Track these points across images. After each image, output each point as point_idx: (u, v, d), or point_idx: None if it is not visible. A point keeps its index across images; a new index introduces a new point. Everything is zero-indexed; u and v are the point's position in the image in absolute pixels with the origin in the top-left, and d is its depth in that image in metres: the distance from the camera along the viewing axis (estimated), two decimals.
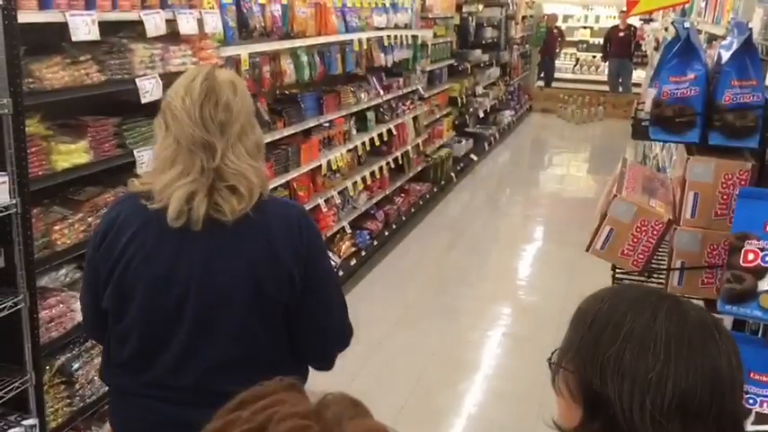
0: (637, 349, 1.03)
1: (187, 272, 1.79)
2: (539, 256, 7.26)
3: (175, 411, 1.82)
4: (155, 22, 3.22)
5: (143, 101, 3.18)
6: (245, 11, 4.21)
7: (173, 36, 3.49)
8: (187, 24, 3.47)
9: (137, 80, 3.16)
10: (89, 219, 3.02)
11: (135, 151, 3.20)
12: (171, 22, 3.44)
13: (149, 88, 3.21)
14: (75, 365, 3.02)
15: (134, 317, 1.83)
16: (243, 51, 4.18)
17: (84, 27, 2.83)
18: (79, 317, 2.93)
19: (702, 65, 1.77)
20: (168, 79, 3.39)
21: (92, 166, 3.04)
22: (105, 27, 3.04)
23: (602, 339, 1.07)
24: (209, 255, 1.79)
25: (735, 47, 1.74)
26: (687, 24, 1.87)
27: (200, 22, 3.63)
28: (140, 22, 3.21)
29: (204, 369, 1.82)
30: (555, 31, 15.97)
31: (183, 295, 1.80)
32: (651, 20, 11.40)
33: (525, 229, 8.20)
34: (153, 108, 3.33)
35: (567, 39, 17.04)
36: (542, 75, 16.40)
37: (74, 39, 2.81)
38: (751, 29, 1.77)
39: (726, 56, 1.79)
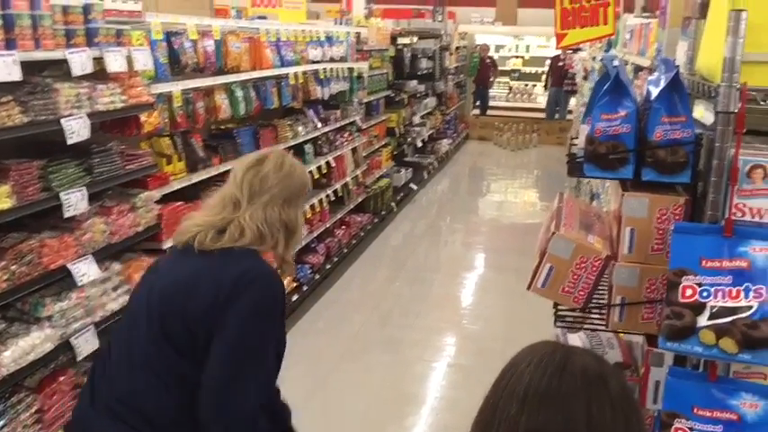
0: (507, 396, 1.15)
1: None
2: (480, 283, 7.30)
3: None
4: (80, 61, 3.12)
5: (69, 142, 3.06)
6: (176, 47, 4.13)
7: (101, 74, 3.39)
8: (115, 62, 3.38)
9: (62, 121, 3.04)
10: (12, 267, 2.87)
11: (62, 194, 3.07)
12: (99, 60, 3.34)
13: (76, 128, 3.09)
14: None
15: None
16: (175, 88, 4.09)
17: (4, 68, 2.71)
18: (5, 370, 2.77)
19: (633, 102, 1.80)
20: (97, 118, 3.31)
21: (15, 211, 2.89)
22: (30, 66, 2.93)
23: (493, 392, 1.19)
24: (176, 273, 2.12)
25: (663, 84, 1.77)
26: (616, 63, 1.90)
27: (130, 60, 3.53)
28: (66, 61, 3.10)
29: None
30: (488, 61, 16.36)
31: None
32: (579, 50, 11.74)
33: (466, 257, 8.24)
34: (80, 149, 3.24)
35: (500, 68, 17.44)
36: (477, 103, 16.73)
37: None
38: (678, 66, 1.80)
39: (655, 92, 1.82)
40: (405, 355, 5.51)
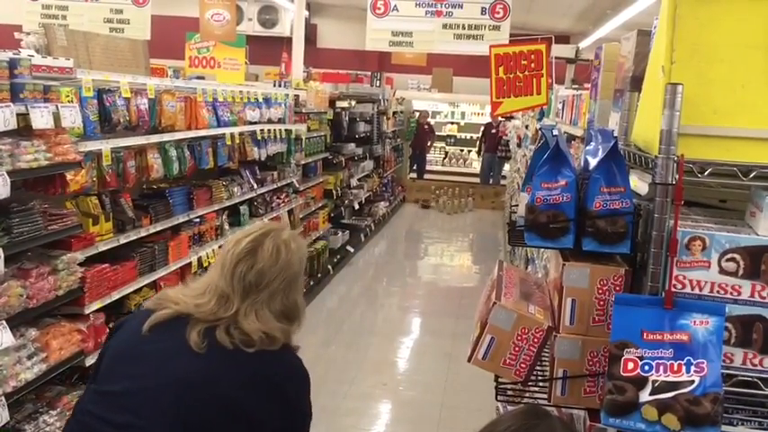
0: None
1: None
2: (416, 348, 7.21)
3: None
4: (3, 117, 2.98)
5: None
6: (107, 104, 4.01)
7: (26, 130, 3.25)
8: (41, 119, 3.24)
9: None
10: None
11: None
12: (25, 116, 3.20)
13: None
14: None
15: None
16: (104, 146, 3.96)
17: None
18: None
19: (572, 171, 1.80)
20: (18, 176, 3.15)
21: None
22: None
23: None
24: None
25: (601, 154, 1.78)
26: (555, 132, 1.91)
27: (57, 116, 3.40)
28: None
29: None
30: (426, 126, 16.69)
31: None
32: (512, 117, 12.10)
33: (403, 321, 8.16)
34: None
35: (437, 133, 17.79)
36: (415, 167, 16.96)
37: None
38: (616, 137, 1.82)
39: (593, 162, 1.83)
40: (339, 424, 5.33)
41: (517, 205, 1.95)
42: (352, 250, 10.28)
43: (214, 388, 1.83)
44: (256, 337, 1.86)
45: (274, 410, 1.86)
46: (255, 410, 1.84)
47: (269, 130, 6.70)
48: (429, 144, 17.17)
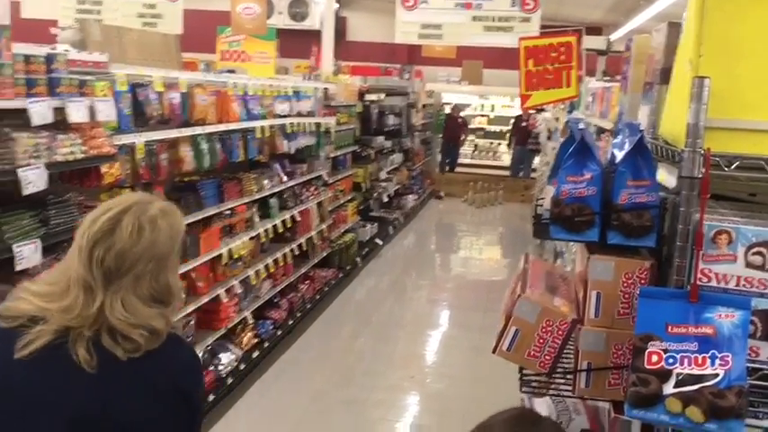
0: None
1: None
2: (444, 341, 7.23)
3: None
4: (41, 111, 3.06)
5: (25, 192, 2.98)
6: (141, 99, 4.09)
7: (62, 124, 3.33)
8: (77, 112, 3.32)
9: (18, 171, 2.96)
10: None
11: (14, 246, 2.96)
12: (61, 110, 3.29)
13: (33, 179, 3.01)
14: None
15: None
16: (138, 139, 4.04)
17: None
18: None
19: (598, 164, 1.80)
20: (55, 169, 3.23)
21: None
22: None
23: None
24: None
25: (627, 147, 1.78)
26: (582, 125, 1.91)
27: (92, 110, 3.48)
28: (26, 110, 3.04)
29: None
30: (459, 119, 16.59)
31: None
32: (543, 110, 12.01)
33: (431, 314, 8.18)
34: (36, 199, 3.15)
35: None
36: (447, 160, 16.85)
37: None
38: (642, 130, 1.82)
39: (619, 155, 1.83)
40: (367, 416, 5.38)
41: (543, 198, 1.96)
42: (380, 243, 10.31)
43: (117, 416, 1.64)
44: (139, 338, 1.64)
45: (180, 414, 1.73)
46: (160, 425, 1.70)
47: (298, 124, 6.76)
48: (463, 138, 17.09)
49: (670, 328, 1.56)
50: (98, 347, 1.62)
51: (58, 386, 1.63)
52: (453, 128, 16.51)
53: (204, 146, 4.90)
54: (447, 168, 16.66)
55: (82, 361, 1.60)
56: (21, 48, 3.08)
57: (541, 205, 1.96)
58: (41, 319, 1.64)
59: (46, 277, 1.81)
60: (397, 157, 12.10)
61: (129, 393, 1.65)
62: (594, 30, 15.03)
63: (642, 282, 1.72)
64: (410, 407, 5.66)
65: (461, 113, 16.90)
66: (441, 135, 16.70)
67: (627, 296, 1.73)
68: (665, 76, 2.17)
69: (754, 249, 1.58)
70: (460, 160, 17.40)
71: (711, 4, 1.63)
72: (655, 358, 1.54)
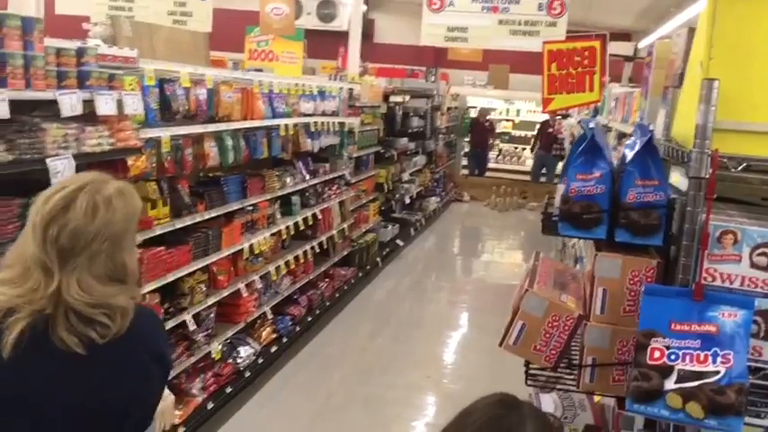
0: None
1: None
2: (463, 342, 7.25)
3: None
4: (70, 102, 3.15)
5: (53, 181, 3.06)
6: (168, 93, 4.18)
7: (91, 116, 3.42)
8: (105, 105, 3.41)
9: (47, 160, 3.05)
10: None
11: None
12: (90, 102, 3.37)
13: (61, 168, 3.09)
14: None
15: None
16: (164, 134, 4.13)
17: None
18: None
19: (607, 163, 1.83)
20: (83, 159, 3.32)
21: None
22: (20, 105, 2.96)
23: None
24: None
25: (637, 147, 1.81)
26: (592, 124, 1.94)
27: (120, 104, 3.57)
28: (56, 102, 3.13)
29: None
30: (487, 124, 16.46)
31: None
32: (568, 115, 11.96)
33: (450, 316, 8.20)
34: None
35: None
36: (475, 165, 16.74)
37: None
38: (652, 131, 1.85)
39: (630, 155, 1.86)
40: (383, 414, 5.42)
41: (554, 197, 1.99)
42: (401, 244, 10.35)
43: (111, 401, 1.68)
44: (105, 319, 1.64)
45: (159, 378, 1.80)
46: (147, 394, 1.77)
47: (322, 123, 6.82)
48: (491, 142, 16.93)
49: (673, 325, 1.59)
50: (75, 331, 1.62)
51: (48, 375, 1.63)
52: (481, 132, 16.38)
53: (229, 142, 4.98)
54: (476, 173, 16.57)
55: (69, 344, 1.61)
56: (52, 41, 3.18)
57: (552, 204, 1.99)
58: (15, 311, 1.62)
59: (2, 261, 1.79)
60: (421, 159, 12.13)
61: (119, 375, 1.68)
62: (624, 36, 14.94)
63: (648, 280, 1.75)
64: (426, 406, 5.69)
65: (488, 117, 16.78)
66: (467, 139, 16.64)
67: (633, 294, 1.76)
68: (682, 79, 2.19)
69: (759, 250, 1.60)
70: None
71: (723, 9, 1.66)
72: (657, 354, 1.57)
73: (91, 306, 1.62)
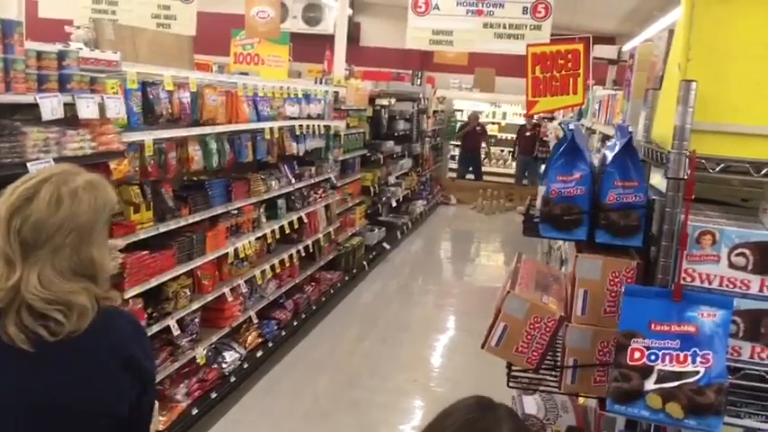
0: None
1: None
2: (450, 345, 7.25)
3: None
4: (51, 106, 3.12)
5: None
6: (150, 97, 4.15)
7: (73, 120, 3.40)
8: (87, 109, 3.38)
9: (28, 164, 3.02)
10: None
11: None
12: (71, 106, 3.35)
13: None
14: None
15: None
16: (147, 137, 4.10)
17: None
18: None
19: (587, 165, 1.84)
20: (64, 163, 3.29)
21: None
22: (0, 109, 2.95)
23: None
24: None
25: (617, 149, 1.82)
26: (572, 126, 1.95)
27: (102, 107, 3.55)
28: (37, 105, 3.10)
29: None
30: (478, 128, 16.28)
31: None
32: (553, 118, 12.03)
33: (437, 319, 8.20)
34: None
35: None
36: (470, 169, 16.48)
37: None
38: (632, 132, 1.86)
39: (609, 157, 1.86)
40: (370, 418, 5.41)
41: (536, 199, 2.00)
42: (388, 247, 10.35)
43: (66, 400, 1.64)
44: (60, 317, 1.60)
45: (131, 385, 1.74)
46: (113, 400, 1.70)
47: (308, 126, 6.81)
48: (484, 146, 16.65)
49: (653, 325, 1.60)
50: (24, 327, 1.59)
51: (4, 371, 1.62)
52: (473, 136, 16.11)
53: (213, 145, 4.96)
54: (472, 177, 16.47)
55: (16, 340, 1.57)
56: (33, 44, 3.16)
57: (534, 206, 2.00)
58: None
59: None
60: (407, 163, 12.14)
61: (76, 375, 1.64)
62: (608, 40, 15.04)
63: (629, 280, 1.75)
64: (413, 410, 5.68)
65: (479, 121, 16.59)
66: (458, 144, 16.58)
67: (613, 295, 1.77)
68: (662, 81, 2.20)
69: (738, 250, 1.61)
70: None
71: (700, 11, 1.67)
72: (637, 354, 1.57)
73: (47, 302, 1.59)
